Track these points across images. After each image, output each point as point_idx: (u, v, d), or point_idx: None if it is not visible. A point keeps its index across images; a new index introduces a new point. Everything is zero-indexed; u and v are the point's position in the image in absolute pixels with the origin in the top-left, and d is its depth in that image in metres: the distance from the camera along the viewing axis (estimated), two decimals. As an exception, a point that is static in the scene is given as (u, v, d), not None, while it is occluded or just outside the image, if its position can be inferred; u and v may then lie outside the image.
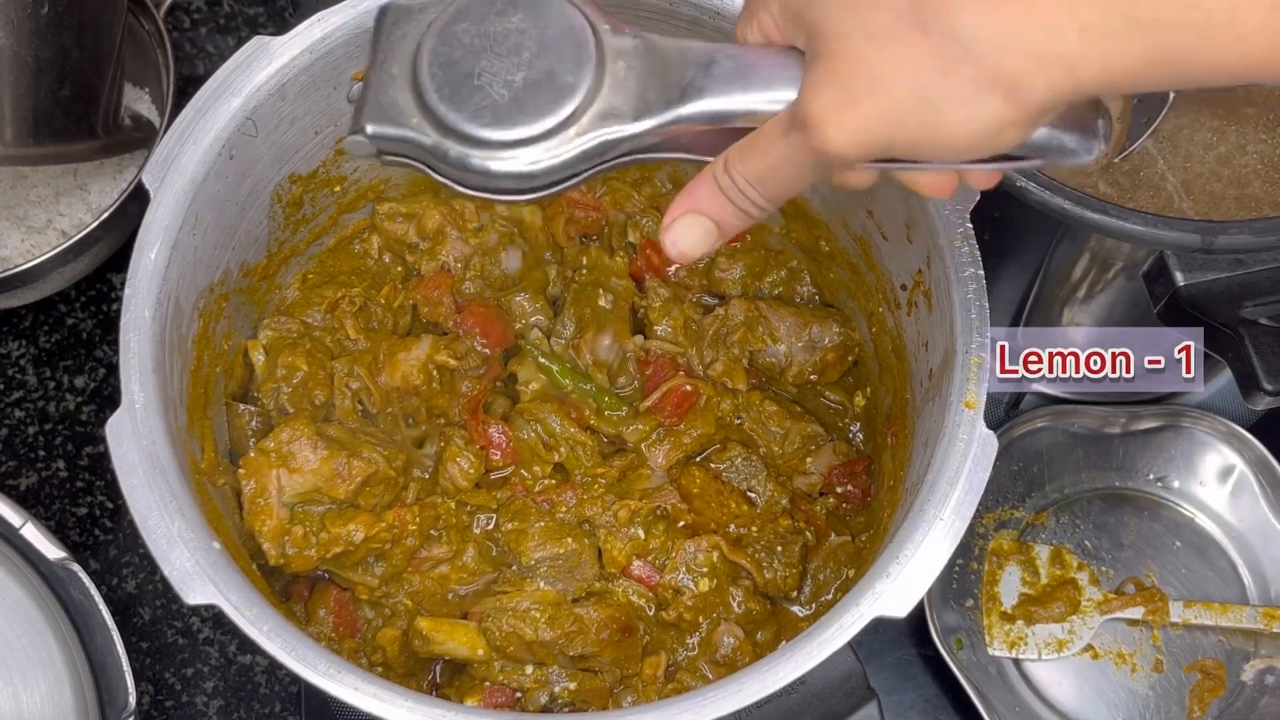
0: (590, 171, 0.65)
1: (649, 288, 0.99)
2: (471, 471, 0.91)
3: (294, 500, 0.86)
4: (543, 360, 0.96)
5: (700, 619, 0.90)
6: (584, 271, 0.98)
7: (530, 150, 0.63)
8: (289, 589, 0.91)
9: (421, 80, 0.64)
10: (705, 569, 0.90)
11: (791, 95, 0.60)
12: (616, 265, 0.99)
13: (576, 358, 0.96)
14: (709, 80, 0.62)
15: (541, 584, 0.89)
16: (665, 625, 0.91)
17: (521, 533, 0.90)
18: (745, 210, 0.64)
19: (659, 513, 0.91)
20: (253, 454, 0.86)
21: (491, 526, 0.92)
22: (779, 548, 0.92)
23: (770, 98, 0.61)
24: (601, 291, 0.97)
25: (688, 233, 0.65)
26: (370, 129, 0.66)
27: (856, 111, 0.57)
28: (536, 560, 0.90)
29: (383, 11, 0.68)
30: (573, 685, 0.88)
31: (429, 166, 0.66)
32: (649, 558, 0.91)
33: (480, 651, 0.88)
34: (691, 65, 0.63)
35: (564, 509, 0.92)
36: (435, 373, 0.93)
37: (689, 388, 0.95)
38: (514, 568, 0.90)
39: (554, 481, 0.93)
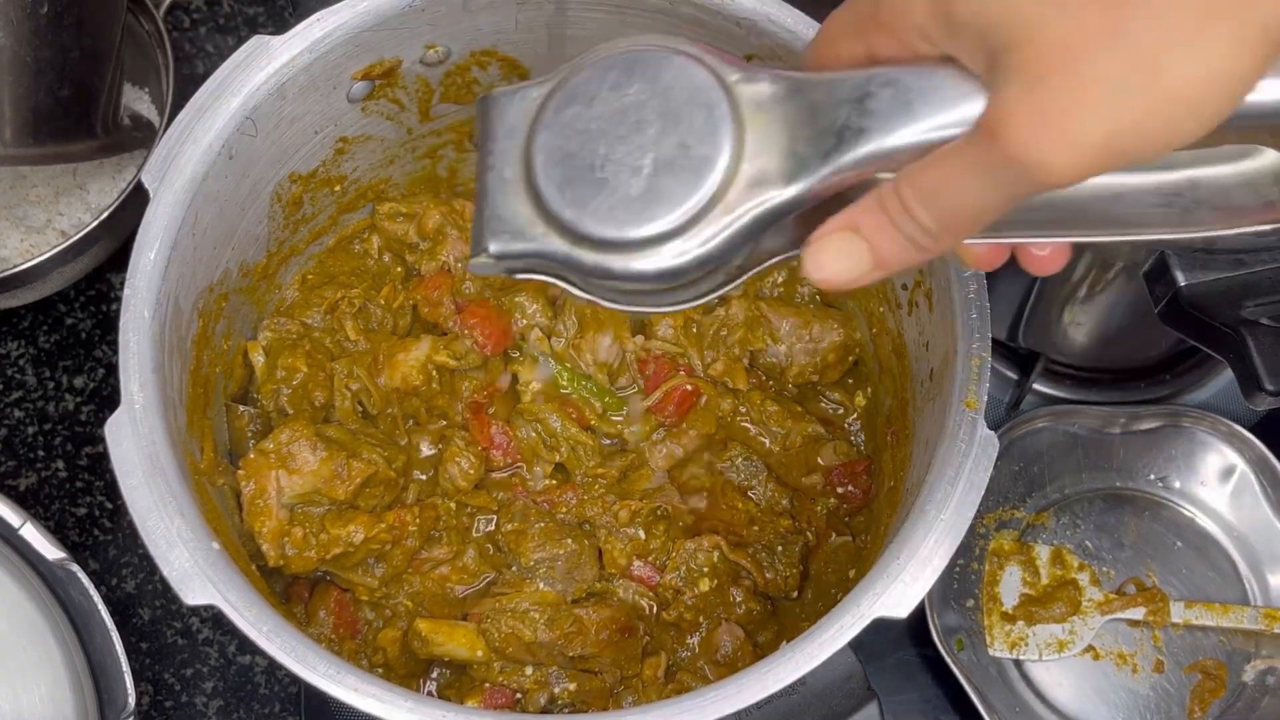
0: (746, 254, 0.57)
1: None
2: (472, 472, 0.91)
3: (293, 501, 0.86)
4: (543, 360, 0.96)
5: (700, 619, 0.90)
6: None
7: (676, 243, 0.55)
8: (289, 590, 0.91)
9: (539, 183, 0.57)
10: (706, 569, 0.90)
11: (973, 113, 0.51)
12: None
13: (577, 358, 0.96)
14: (868, 118, 0.53)
15: (541, 585, 0.89)
16: (665, 625, 0.91)
17: (521, 534, 0.90)
18: (912, 236, 0.53)
19: (659, 513, 0.91)
20: (252, 455, 0.86)
21: (492, 528, 0.92)
22: (779, 548, 0.92)
23: (944, 122, 0.52)
24: None
25: (840, 255, 0.55)
26: (493, 248, 0.58)
27: (1066, 104, 0.47)
28: (536, 561, 0.90)
29: (483, 103, 0.61)
30: (572, 686, 0.88)
31: (565, 280, 0.59)
32: (649, 558, 0.91)
33: (479, 653, 0.88)
34: (843, 104, 0.53)
35: (564, 509, 0.92)
36: (435, 373, 0.93)
37: (690, 387, 0.95)
38: (514, 569, 0.90)
39: (554, 482, 0.93)
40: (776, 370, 0.97)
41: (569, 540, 0.90)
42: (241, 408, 0.92)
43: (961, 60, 0.51)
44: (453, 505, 0.91)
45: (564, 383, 0.95)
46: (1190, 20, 0.45)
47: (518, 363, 0.96)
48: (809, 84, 0.55)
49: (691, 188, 0.55)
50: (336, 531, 0.86)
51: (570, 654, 0.88)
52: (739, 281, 0.59)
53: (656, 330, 0.97)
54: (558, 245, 0.57)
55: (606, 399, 0.95)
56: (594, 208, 0.56)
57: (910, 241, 0.53)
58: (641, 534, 0.91)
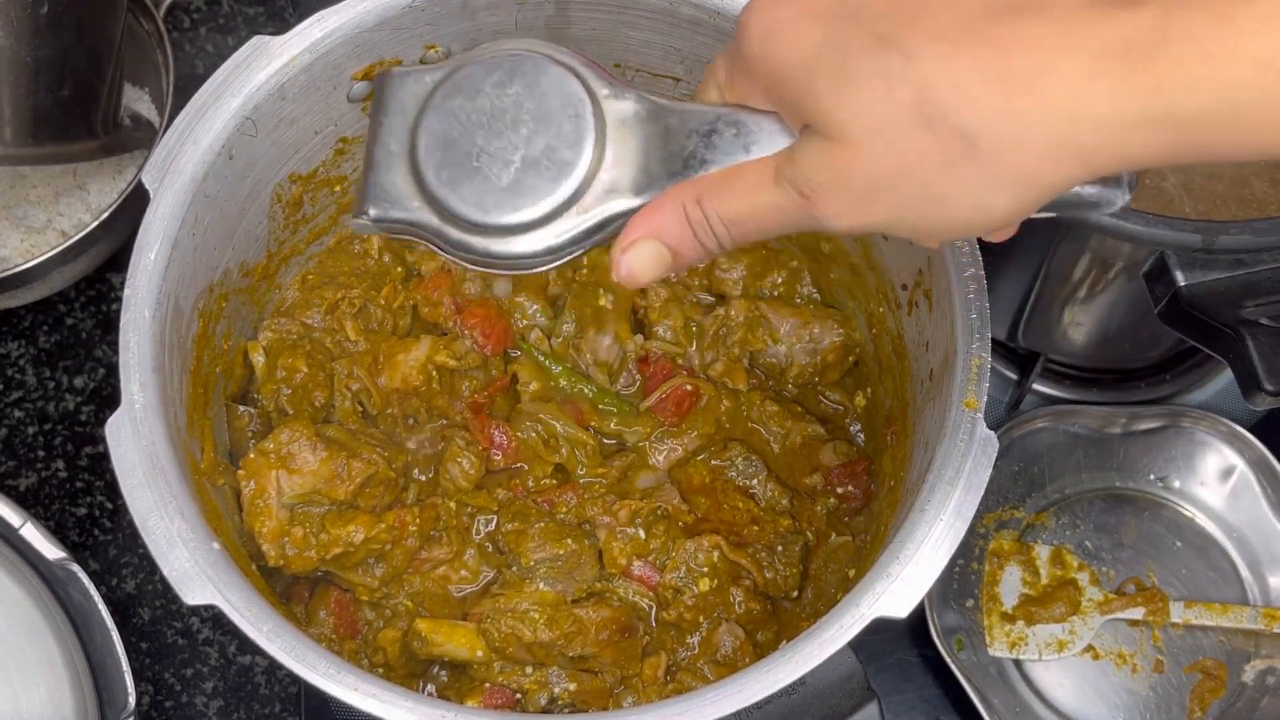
0: (591, 243, 0.64)
1: (649, 288, 0.99)
2: (472, 472, 0.91)
3: (293, 501, 0.86)
4: (543, 360, 0.96)
5: (701, 619, 0.90)
6: (584, 271, 0.98)
7: (531, 234, 0.63)
8: (290, 590, 0.91)
9: (420, 161, 0.63)
10: (706, 568, 0.90)
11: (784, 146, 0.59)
12: None
13: (577, 358, 0.96)
14: (711, 151, 0.61)
15: (541, 585, 0.89)
16: (665, 625, 0.91)
17: (521, 533, 0.90)
18: (708, 247, 0.61)
19: (660, 513, 0.91)
20: (252, 455, 0.86)
21: (492, 528, 0.92)
22: (779, 547, 0.92)
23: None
24: (602, 291, 0.97)
25: (643, 258, 0.62)
26: (372, 212, 0.65)
27: (859, 203, 0.56)
28: (536, 561, 0.90)
29: (380, 81, 0.67)
30: (573, 686, 0.88)
31: (434, 244, 0.65)
32: (649, 558, 0.91)
33: (479, 653, 0.88)
34: (693, 135, 0.62)
35: (564, 509, 0.92)
36: (435, 373, 0.93)
37: (689, 387, 0.95)
38: (514, 569, 0.90)
39: (554, 482, 0.93)
40: (776, 370, 0.97)
41: (569, 540, 0.90)
42: (241, 408, 0.92)
43: (784, 117, 0.60)
44: (453, 505, 0.91)
45: (563, 382, 0.95)
46: (977, 184, 0.54)
47: (517, 363, 0.96)
48: (667, 110, 0.63)
49: (552, 188, 0.62)
50: (336, 531, 0.86)
51: (570, 654, 0.88)
52: (574, 255, 0.65)
53: (656, 330, 0.97)
54: (429, 218, 0.64)
55: (607, 399, 0.95)
56: (465, 192, 0.63)
57: (704, 248, 0.62)
58: (642, 533, 0.91)
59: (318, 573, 0.89)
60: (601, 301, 0.96)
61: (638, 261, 0.62)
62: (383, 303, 0.96)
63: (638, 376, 0.96)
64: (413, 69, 0.66)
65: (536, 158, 0.62)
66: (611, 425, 0.95)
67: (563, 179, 0.62)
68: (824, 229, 0.58)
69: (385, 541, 0.87)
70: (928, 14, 0.53)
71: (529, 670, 0.88)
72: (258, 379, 0.93)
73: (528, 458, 0.94)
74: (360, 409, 0.93)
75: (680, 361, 0.96)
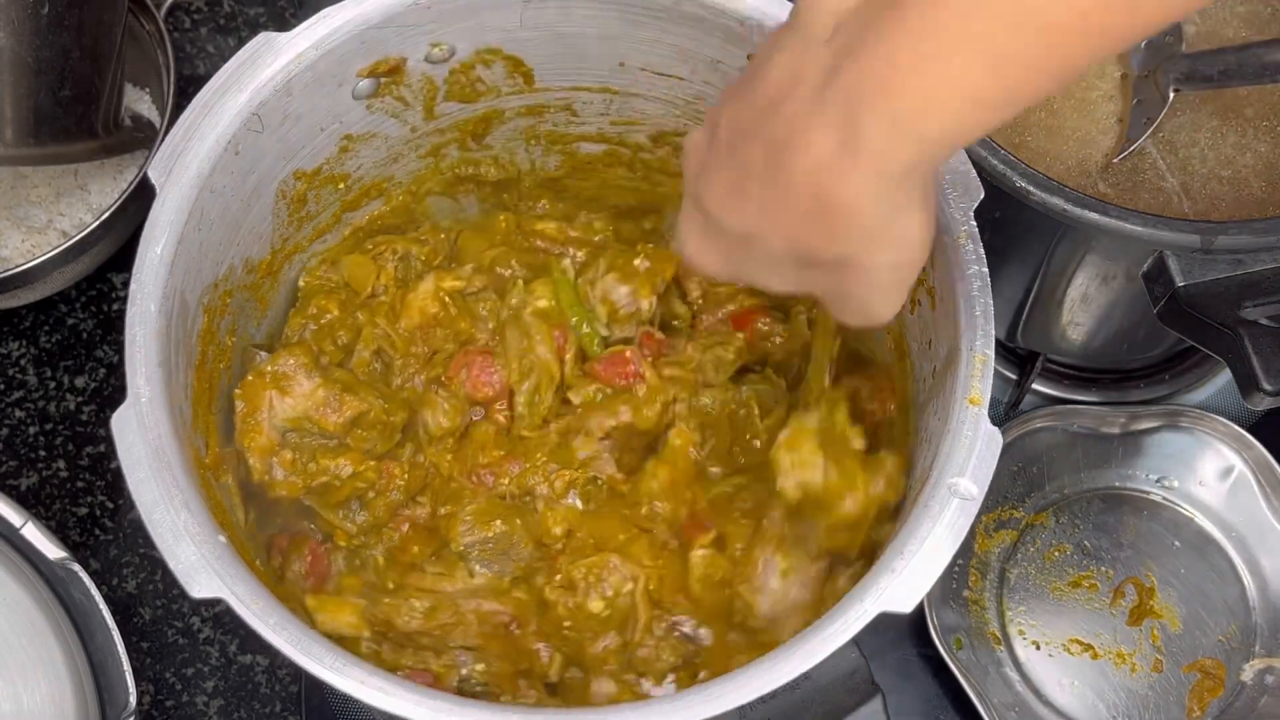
0: None
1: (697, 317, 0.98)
2: (446, 422, 0.91)
3: (285, 425, 0.87)
4: (559, 278, 0.95)
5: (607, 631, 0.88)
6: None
7: None
8: (271, 542, 0.90)
9: None
10: (611, 592, 0.88)
11: None
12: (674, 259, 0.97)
13: (590, 291, 0.95)
14: None
15: (478, 568, 0.89)
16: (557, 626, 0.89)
17: (452, 517, 0.89)
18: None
19: (598, 484, 0.91)
20: (250, 376, 0.88)
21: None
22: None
23: None
24: (642, 256, 0.95)
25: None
26: None
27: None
28: (466, 545, 0.89)
29: None
30: (480, 667, 0.87)
31: None
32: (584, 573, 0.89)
33: (365, 633, 0.87)
34: None
35: (507, 479, 0.91)
36: (448, 299, 0.94)
37: (634, 367, 0.93)
38: (449, 549, 0.90)
39: (500, 454, 0.92)
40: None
41: (498, 522, 0.89)
42: (261, 354, 0.93)
43: None
44: (443, 468, 0.91)
45: (565, 301, 0.94)
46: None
47: (538, 280, 0.95)
48: None
49: None
50: (325, 462, 0.87)
51: (452, 645, 0.86)
52: None
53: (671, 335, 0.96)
54: None
55: (590, 325, 0.94)
56: None
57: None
58: (579, 504, 0.90)
59: (302, 502, 0.89)
60: (636, 261, 0.95)
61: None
62: (423, 257, 0.98)
63: (635, 337, 0.94)
64: None
65: None
66: (579, 370, 0.93)
67: None
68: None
69: (372, 483, 0.88)
70: None
71: (429, 654, 0.87)
72: (290, 314, 0.95)
73: (514, 384, 0.93)
74: (379, 366, 0.93)
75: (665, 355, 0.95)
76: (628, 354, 0.93)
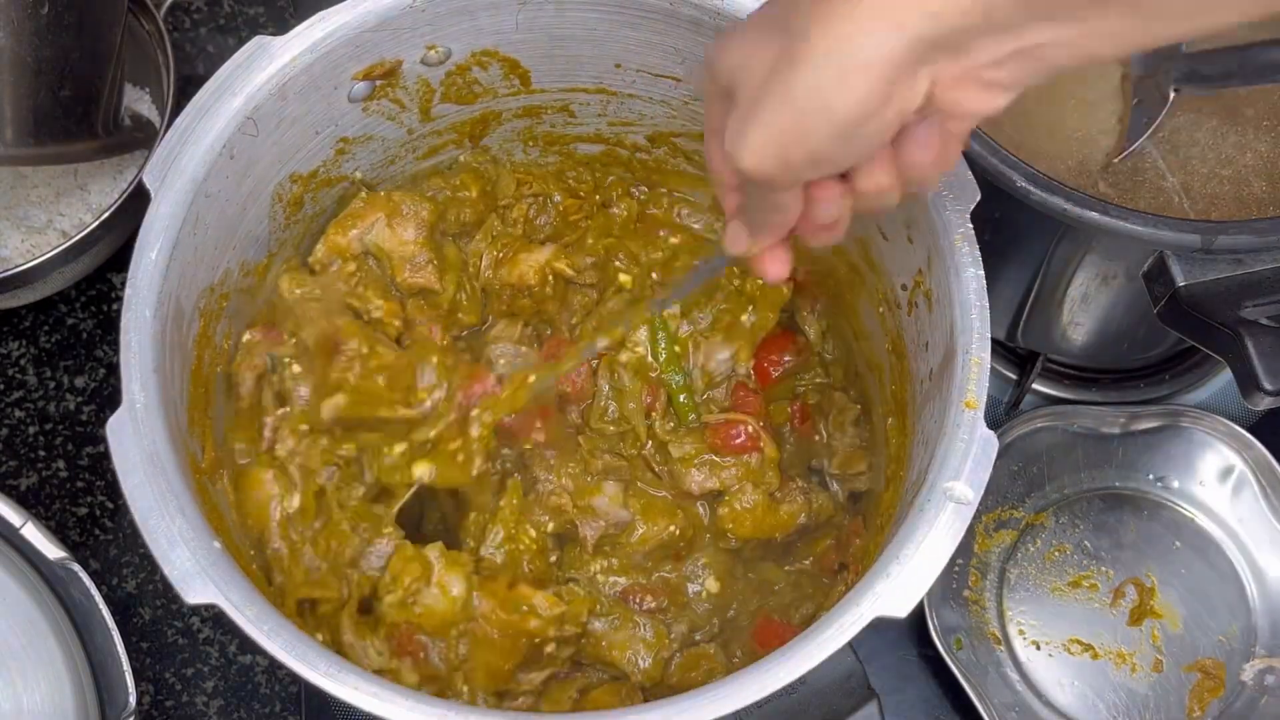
0: None
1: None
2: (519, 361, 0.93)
3: (371, 245, 0.91)
4: (660, 336, 0.94)
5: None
6: (738, 282, 0.96)
7: None
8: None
9: None
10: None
11: None
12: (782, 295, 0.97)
13: (694, 354, 0.95)
14: None
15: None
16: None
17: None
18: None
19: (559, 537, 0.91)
20: (380, 190, 0.93)
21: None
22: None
23: None
24: (752, 308, 0.95)
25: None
26: None
27: (753, 133, 0.62)
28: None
29: None
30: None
31: None
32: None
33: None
34: None
35: (543, 468, 0.91)
36: (551, 278, 0.95)
37: (750, 431, 0.93)
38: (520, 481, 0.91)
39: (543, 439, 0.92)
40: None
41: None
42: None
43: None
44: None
45: (661, 357, 0.93)
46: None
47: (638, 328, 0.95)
48: None
49: None
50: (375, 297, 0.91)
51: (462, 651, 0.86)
52: None
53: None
54: None
55: (685, 396, 0.93)
56: None
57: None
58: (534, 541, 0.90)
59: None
60: (744, 317, 0.95)
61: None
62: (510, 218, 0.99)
63: (726, 401, 0.94)
64: None
65: None
66: (667, 428, 0.93)
67: None
68: (742, 170, 0.64)
69: (397, 316, 0.91)
70: None
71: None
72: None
73: (590, 394, 0.94)
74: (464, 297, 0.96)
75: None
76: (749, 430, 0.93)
